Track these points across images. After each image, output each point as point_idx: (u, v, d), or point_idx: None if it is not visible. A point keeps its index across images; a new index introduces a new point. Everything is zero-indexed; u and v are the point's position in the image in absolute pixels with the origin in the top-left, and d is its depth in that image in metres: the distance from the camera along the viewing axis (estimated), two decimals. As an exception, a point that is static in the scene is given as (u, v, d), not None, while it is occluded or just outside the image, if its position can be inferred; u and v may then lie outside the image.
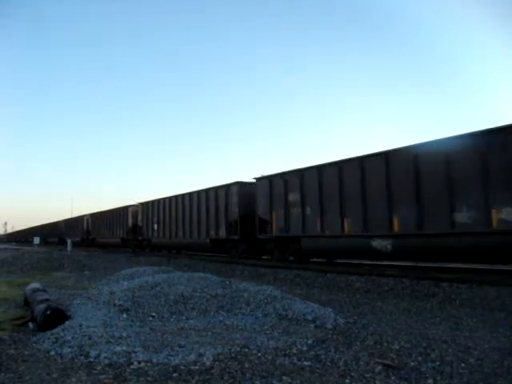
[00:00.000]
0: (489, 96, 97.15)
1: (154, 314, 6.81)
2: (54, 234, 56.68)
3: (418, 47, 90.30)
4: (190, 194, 23.60)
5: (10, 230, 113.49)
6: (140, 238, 30.11)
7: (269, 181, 17.21)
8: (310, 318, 6.48)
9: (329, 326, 6.18)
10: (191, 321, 6.63)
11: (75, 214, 51.45)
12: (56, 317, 6.04)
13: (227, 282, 8.19)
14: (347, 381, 4.06)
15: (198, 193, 22.83)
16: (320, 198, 14.76)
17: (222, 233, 20.19)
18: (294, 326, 6.25)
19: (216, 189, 21.10)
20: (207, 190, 21.89)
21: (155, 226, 27.60)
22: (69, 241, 34.64)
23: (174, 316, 6.83)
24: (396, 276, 11.50)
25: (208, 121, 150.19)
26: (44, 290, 8.39)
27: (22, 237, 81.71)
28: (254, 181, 18.51)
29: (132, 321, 6.53)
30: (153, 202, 28.35)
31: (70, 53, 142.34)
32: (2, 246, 49.30)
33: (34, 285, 9.02)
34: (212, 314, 6.96)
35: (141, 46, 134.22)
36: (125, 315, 6.72)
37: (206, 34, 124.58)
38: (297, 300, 7.43)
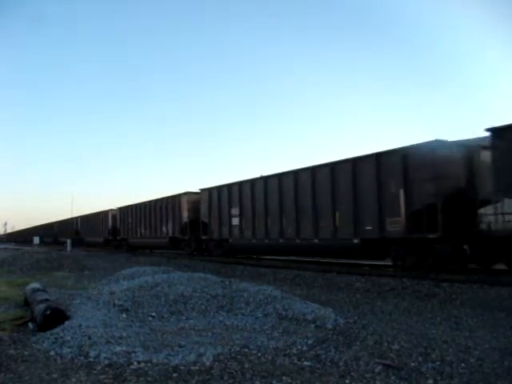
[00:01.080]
0: (489, 96, 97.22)
1: (153, 314, 6.81)
2: (65, 234, 47.71)
3: (418, 47, 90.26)
4: (313, 170, 15.22)
5: (9, 230, 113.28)
6: (204, 237, 22.27)
7: None
8: (310, 318, 6.47)
9: (329, 326, 6.17)
10: (191, 321, 6.62)
11: (76, 214, 48.35)
12: (56, 317, 6.03)
13: (227, 282, 8.18)
14: (347, 381, 4.05)
15: (333, 166, 14.43)
16: None
17: (398, 227, 12.27)
18: (294, 326, 6.24)
19: (376, 157, 12.97)
20: (354, 161, 13.69)
21: (235, 221, 19.79)
22: (68, 241, 34.54)
23: (173, 316, 6.82)
24: (396, 276, 11.50)
25: (208, 120, 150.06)
26: (44, 290, 8.39)
27: (22, 237, 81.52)
28: (454, 139, 11.90)
29: (132, 321, 6.52)
30: (229, 185, 20.31)
31: (69, 53, 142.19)
32: (1, 245, 49.20)
33: (34, 285, 9.02)
34: (212, 314, 6.96)
35: (141, 45, 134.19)
36: (125, 315, 6.72)
37: (207, 34, 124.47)
38: (297, 300, 7.42)
